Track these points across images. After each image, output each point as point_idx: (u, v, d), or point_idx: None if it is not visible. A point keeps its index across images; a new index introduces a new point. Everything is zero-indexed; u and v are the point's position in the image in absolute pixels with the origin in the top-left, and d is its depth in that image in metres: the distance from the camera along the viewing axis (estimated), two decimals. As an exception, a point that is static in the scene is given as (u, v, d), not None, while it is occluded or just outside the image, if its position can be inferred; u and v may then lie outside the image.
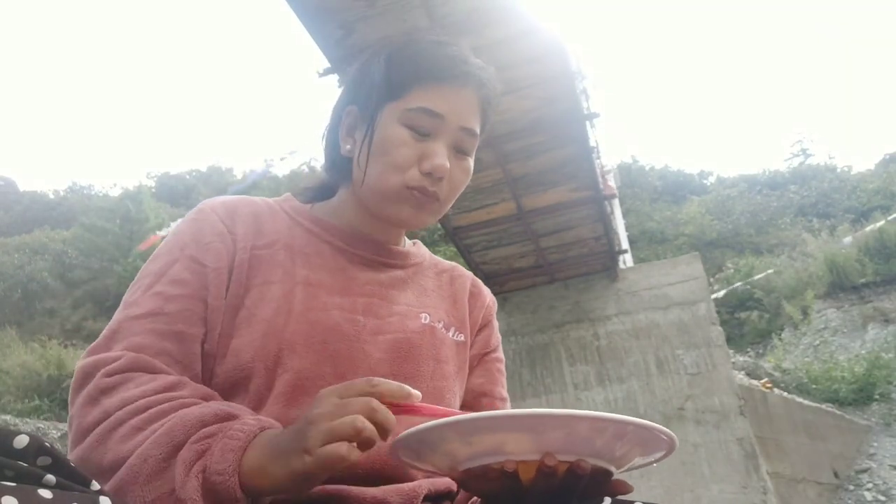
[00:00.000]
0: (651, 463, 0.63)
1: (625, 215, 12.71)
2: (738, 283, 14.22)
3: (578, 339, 7.41)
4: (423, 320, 0.90)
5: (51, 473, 0.49)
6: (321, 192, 0.98)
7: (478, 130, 0.89)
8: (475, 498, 0.81)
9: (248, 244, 0.86)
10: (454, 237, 6.69)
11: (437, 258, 1.05)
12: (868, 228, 14.89)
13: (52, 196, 28.53)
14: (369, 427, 0.58)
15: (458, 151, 0.88)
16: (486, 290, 1.05)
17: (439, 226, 6.63)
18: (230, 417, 0.67)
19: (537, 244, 7.01)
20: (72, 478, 0.51)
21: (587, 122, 5.74)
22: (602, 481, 0.60)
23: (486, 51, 5.43)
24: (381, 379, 0.63)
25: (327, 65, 4.35)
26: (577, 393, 7.22)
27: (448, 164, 0.85)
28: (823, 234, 16.08)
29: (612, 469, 0.60)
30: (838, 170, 24.62)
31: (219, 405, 0.69)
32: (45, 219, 23.43)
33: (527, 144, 5.63)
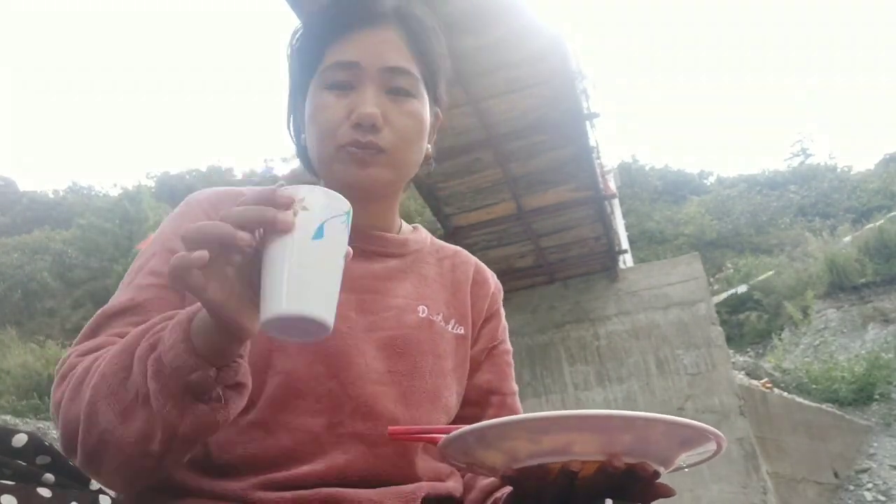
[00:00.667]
0: (686, 467, 0.63)
1: (625, 215, 12.71)
2: (741, 287, 14.21)
3: (578, 339, 7.41)
4: (420, 313, 0.86)
5: (50, 472, 0.49)
6: (304, 180, 0.94)
7: (410, 67, 0.82)
8: (498, 496, 0.80)
9: None
10: (454, 237, 6.68)
11: (441, 242, 1.00)
12: (867, 227, 14.88)
13: (52, 196, 28.51)
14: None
15: (394, 94, 0.81)
16: (492, 277, 1.00)
17: (439, 226, 6.62)
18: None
19: (537, 244, 7.01)
20: (71, 476, 0.51)
21: (587, 122, 5.74)
22: (651, 483, 0.60)
23: (487, 51, 5.46)
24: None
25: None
26: (577, 393, 7.22)
27: (374, 110, 0.78)
28: (824, 235, 16.07)
29: (662, 471, 0.60)
30: (838, 170, 24.58)
31: (172, 311, 0.65)
32: (45, 219, 23.40)
33: (527, 144, 5.64)
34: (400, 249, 0.90)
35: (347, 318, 0.81)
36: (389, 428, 0.71)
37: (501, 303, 1.00)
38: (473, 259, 1.01)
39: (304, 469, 0.73)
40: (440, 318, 0.88)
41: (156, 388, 0.59)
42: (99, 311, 0.78)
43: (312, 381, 0.76)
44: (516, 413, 0.92)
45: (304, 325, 0.54)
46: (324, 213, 0.56)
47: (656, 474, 0.59)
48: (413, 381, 0.82)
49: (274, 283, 0.54)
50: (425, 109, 0.84)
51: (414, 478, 0.80)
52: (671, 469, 0.61)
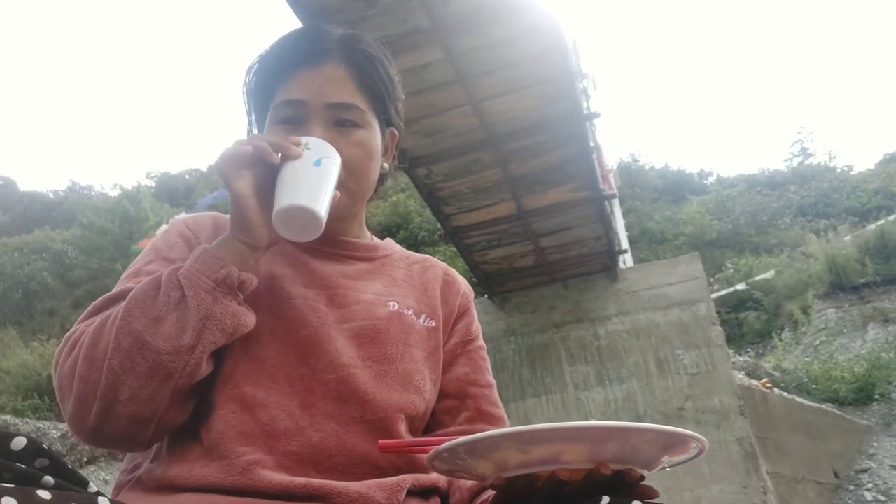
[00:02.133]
0: (669, 468, 0.66)
1: (625, 215, 12.69)
2: (740, 285, 14.22)
3: (578, 339, 7.41)
4: (391, 308, 0.90)
5: (49, 475, 0.49)
6: None
7: (354, 100, 0.87)
8: (485, 497, 0.81)
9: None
10: (454, 237, 6.69)
11: (409, 252, 1.05)
12: (869, 228, 14.87)
13: (52, 196, 28.56)
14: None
15: (342, 126, 0.87)
16: (462, 280, 1.04)
17: (439, 226, 6.62)
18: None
19: (537, 244, 7.01)
20: (69, 479, 0.51)
21: (587, 122, 5.74)
22: (635, 486, 0.62)
23: (487, 50, 5.43)
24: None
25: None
26: (578, 393, 7.23)
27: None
28: (828, 235, 16.05)
29: (646, 473, 0.62)
30: (838, 170, 24.57)
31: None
32: (45, 219, 23.43)
33: (527, 144, 5.64)
34: (369, 254, 0.96)
35: (318, 311, 0.85)
36: (380, 442, 0.73)
37: (472, 304, 1.03)
38: (442, 264, 1.05)
39: (281, 447, 0.76)
40: (411, 312, 0.92)
41: (188, 285, 0.73)
42: (100, 298, 0.82)
43: (285, 367, 0.81)
44: (497, 405, 0.96)
45: (304, 219, 0.74)
46: (321, 153, 0.79)
47: (641, 478, 0.62)
48: (384, 366, 0.85)
49: (286, 186, 0.75)
50: (373, 136, 0.89)
51: (398, 469, 0.81)
52: (655, 470, 0.64)
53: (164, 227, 0.99)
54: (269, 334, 0.82)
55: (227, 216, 0.95)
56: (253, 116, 0.94)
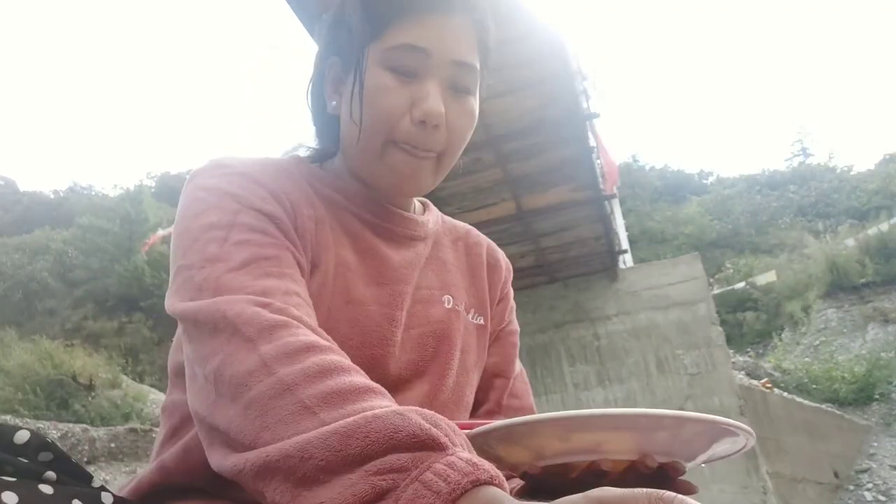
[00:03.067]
0: (705, 464, 0.62)
1: (625, 215, 12.68)
2: (739, 284, 14.23)
3: (578, 339, 7.41)
4: (445, 304, 0.83)
5: (51, 469, 0.49)
6: (323, 153, 0.86)
7: (476, 63, 0.76)
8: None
9: (294, 211, 0.74)
10: (454, 237, 6.67)
11: (451, 221, 0.95)
12: (871, 231, 14.86)
13: (52, 196, 28.56)
14: None
15: (457, 90, 0.76)
16: (503, 258, 0.97)
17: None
18: (432, 445, 0.47)
19: (537, 244, 7.01)
20: (72, 474, 0.51)
21: (587, 123, 5.74)
22: (674, 481, 0.57)
23: (486, 50, 5.38)
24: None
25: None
26: (578, 393, 7.22)
27: (442, 108, 0.73)
28: (827, 236, 16.06)
29: (687, 468, 0.59)
30: (838, 170, 24.61)
31: (419, 418, 0.49)
32: (45, 219, 23.41)
33: (527, 144, 5.63)
34: (422, 231, 0.86)
35: (393, 319, 0.77)
36: None
37: (511, 285, 0.97)
38: (485, 239, 0.97)
39: None
40: (462, 307, 0.86)
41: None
42: (208, 272, 0.63)
43: None
44: (518, 395, 0.92)
45: None
46: None
47: (683, 472, 0.58)
48: (440, 382, 0.80)
49: None
50: (477, 105, 0.80)
51: None
52: (692, 465, 0.60)
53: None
54: (339, 345, 0.64)
55: (283, 164, 0.80)
56: (338, 52, 0.78)
